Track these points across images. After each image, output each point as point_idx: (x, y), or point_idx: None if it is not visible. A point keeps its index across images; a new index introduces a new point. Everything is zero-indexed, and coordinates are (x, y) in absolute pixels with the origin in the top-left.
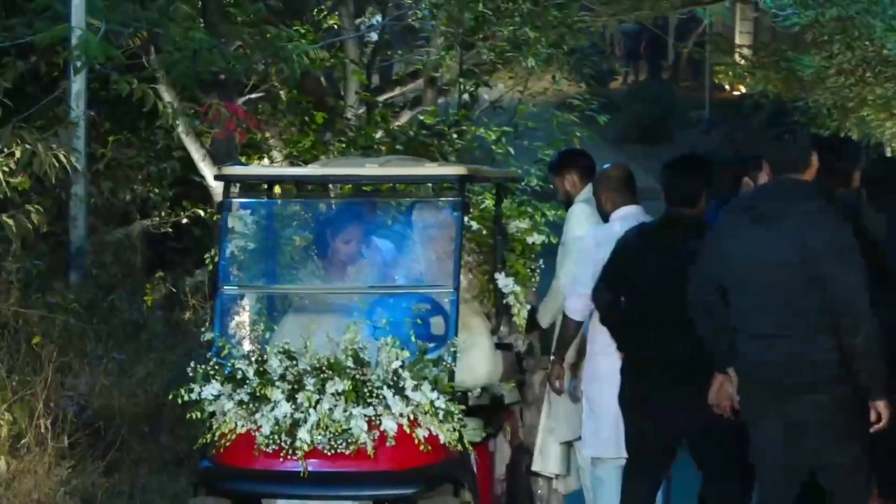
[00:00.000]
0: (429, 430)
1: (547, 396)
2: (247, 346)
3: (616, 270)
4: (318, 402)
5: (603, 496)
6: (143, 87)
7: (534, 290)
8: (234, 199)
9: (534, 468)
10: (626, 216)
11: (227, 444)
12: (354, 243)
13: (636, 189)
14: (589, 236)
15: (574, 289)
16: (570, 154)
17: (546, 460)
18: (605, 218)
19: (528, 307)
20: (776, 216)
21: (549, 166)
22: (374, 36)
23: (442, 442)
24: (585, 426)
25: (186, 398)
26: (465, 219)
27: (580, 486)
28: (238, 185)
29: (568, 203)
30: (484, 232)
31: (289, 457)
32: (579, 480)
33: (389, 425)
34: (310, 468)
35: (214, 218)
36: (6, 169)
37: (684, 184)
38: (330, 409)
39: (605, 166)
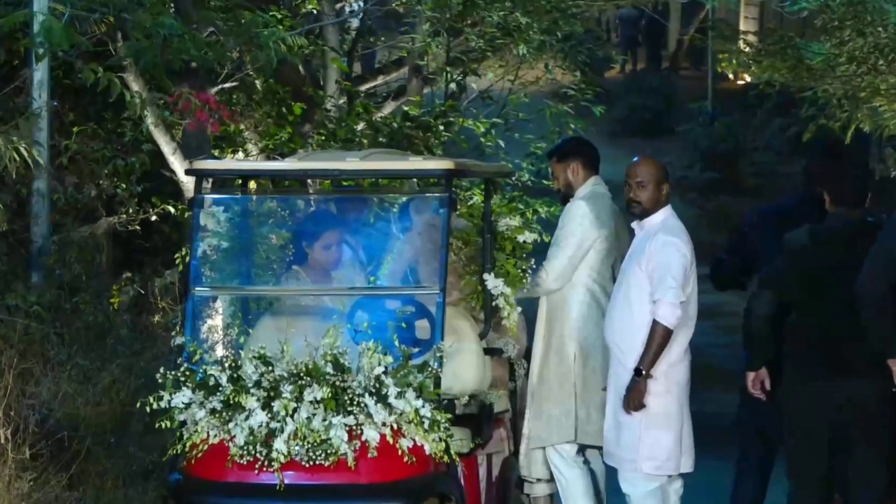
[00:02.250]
0: (413, 440)
1: (529, 399)
2: (220, 351)
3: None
4: (295, 410)
5: None
6: (110, 75)
7: (524, 290)
8: (206, 195)
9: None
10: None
11: (199, 455)
12: (335, 249)
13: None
14: (679, 242)
15: (669, 294)
16: (578, 141)
17: (532, 465)
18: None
19: (519, 310)
20: None
21: (552, 151)
22: (355, 21)
23: (427, 453)
24: (643, 439)
25: (155, 406)
26: (453, 216)
27: (553, 491)
28: (210, 180)
29: (566, 193)
30: (472, 230)
31: (264, 469)
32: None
33: (371, 435)
34: (286, 481)
35: (185, 215)
36: None
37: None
38: (308, 418)
39: (635, 159)
